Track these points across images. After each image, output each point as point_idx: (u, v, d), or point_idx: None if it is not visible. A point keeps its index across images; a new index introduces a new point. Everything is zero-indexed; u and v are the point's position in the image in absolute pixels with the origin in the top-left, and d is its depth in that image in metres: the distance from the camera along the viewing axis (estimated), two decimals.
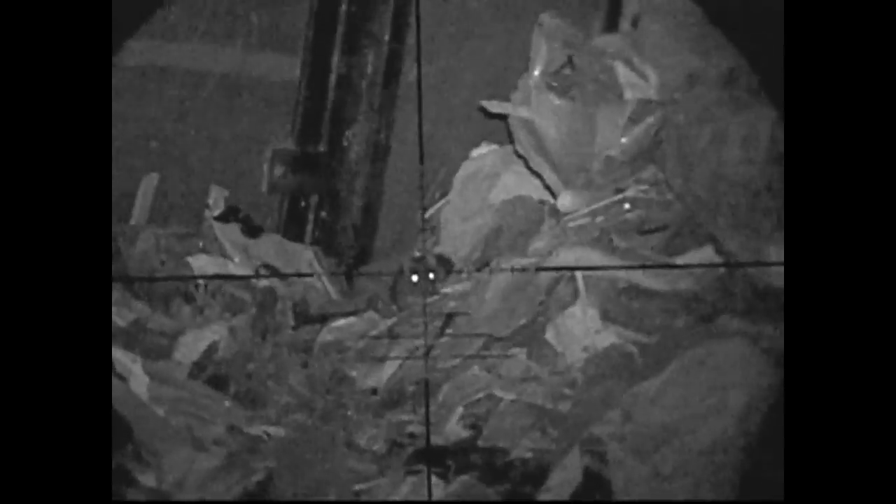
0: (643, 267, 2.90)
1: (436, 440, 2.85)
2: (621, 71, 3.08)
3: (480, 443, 2.84)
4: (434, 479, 2.77)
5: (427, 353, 2.99)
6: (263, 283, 3.21)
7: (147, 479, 2.77)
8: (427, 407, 2.87)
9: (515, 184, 3.24)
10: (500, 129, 3.21)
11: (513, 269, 3.00)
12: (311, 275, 3.29)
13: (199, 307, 3.15)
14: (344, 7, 3.38)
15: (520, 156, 3.13)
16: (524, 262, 3.03)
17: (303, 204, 3.44)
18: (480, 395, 2.90)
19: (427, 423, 2.84)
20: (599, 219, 3.03)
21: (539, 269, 2.97)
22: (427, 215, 3.37)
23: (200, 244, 3.27)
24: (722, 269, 2.90)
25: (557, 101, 3.05)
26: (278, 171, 3.42)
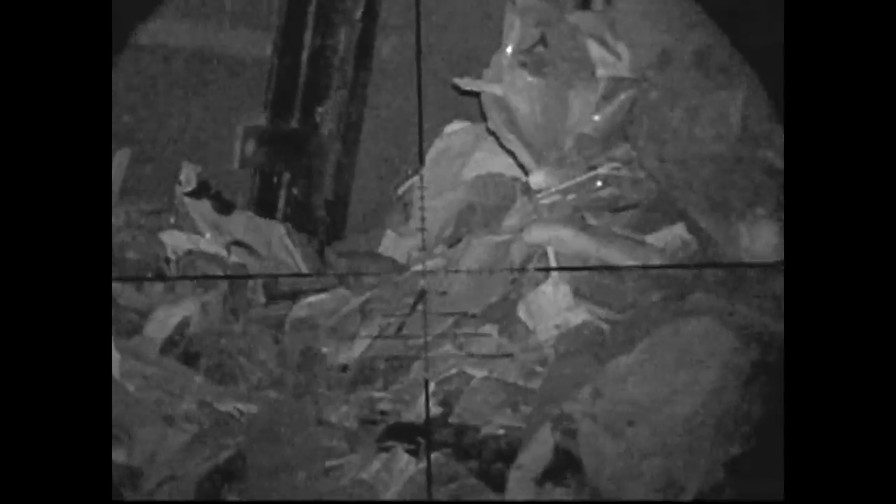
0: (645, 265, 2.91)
1: (407, 416, 2.85)
2: (594, 49, 3.07)
3: (452, 420, 2.84)
4: (406, 456, 2.77)
5: (399, 331, 2.99)
6: (235, 258, 3.21)
7: (118, 455, 2.76)
8: (427, 389, 2.87)
9: (488, 161, 3.24)
10: (472, 106, 3.20)
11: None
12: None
13: (170, 284, 3.14)
14: None
15: (492, 133, 3.12)
16: (497, 239, 3.03)
17: (275, 180, 3.43)
18: (452, 371, 2.90)
19: (427, 411, 2.84)
20: (572, 196, 3.03)
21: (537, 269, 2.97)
22: (399, 191, 3.37)
23: (172, 220, 3.26)
24: (694, 247, 2.91)
25: (530, 79, 3.05)
26: (250, 147, 3.41)
